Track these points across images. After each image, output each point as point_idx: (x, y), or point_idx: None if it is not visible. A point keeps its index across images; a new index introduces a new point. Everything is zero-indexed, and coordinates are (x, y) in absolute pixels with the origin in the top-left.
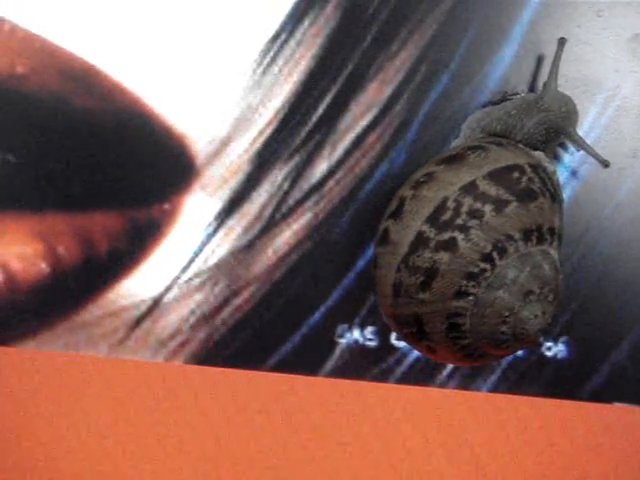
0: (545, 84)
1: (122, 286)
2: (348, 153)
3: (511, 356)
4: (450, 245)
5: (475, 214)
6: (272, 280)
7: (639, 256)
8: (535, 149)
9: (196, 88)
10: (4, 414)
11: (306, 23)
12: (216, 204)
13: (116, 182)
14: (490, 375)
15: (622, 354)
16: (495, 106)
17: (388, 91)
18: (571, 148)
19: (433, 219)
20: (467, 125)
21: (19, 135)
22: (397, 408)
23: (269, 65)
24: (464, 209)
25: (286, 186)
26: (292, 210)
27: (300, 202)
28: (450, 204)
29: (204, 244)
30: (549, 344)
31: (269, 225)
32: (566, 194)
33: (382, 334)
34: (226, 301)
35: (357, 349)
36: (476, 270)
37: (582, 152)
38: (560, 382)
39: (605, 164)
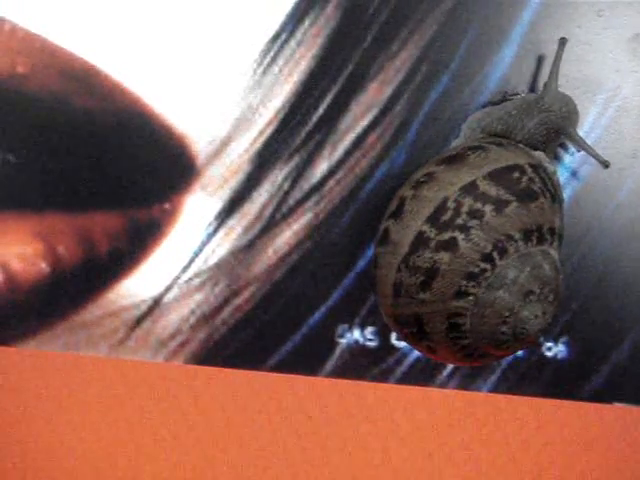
0: (546, 84)
1: (122, 286)
2: (348, 153)
3: (511, 356)
4: (450, 245)
5: (475, 214)
6: (272, 280)
7: (639, 256)
8: (535, 149)
9: (196, 88)
10: (4, 414)
11: (306, 23)
12: (216, 204)
13: (116, 182)
14: (490, 375)
15: (622, 354)
16: (495, 106)
17: (388, 91)
18: (571, 149)
19: (433, 219)
20: (467, 125)
21: (19, 135)
22: (397, 408)
23: (269, 65)
24: (464, 209)
25: (286, 186)
26: (292, 210)
27: (300, 202)
28: (450, 204)
29: (204, 244)
30: (549, 344)
31: (269, 225)
32: (566, 194)
33: (382, 334)
34: (226, 301)
35: (357, 349)
36: (476, 270)
37: (582, 152)
38: (560, 382)
39: (605, 165)
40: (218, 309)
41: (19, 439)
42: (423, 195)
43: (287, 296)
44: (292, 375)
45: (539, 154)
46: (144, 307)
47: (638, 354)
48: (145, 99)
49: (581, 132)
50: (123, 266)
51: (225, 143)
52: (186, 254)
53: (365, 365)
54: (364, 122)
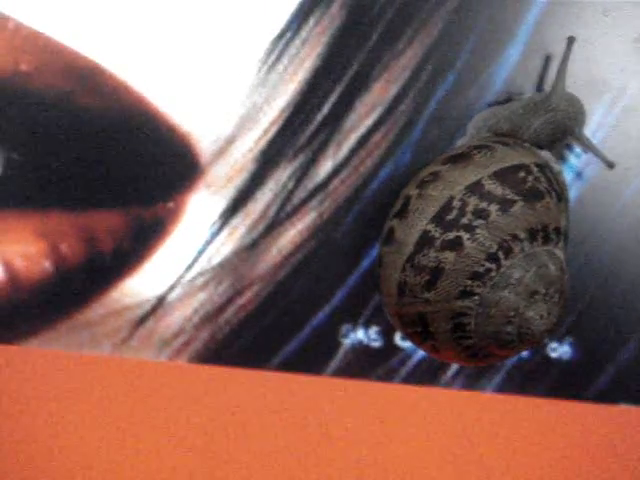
0: (553, 84)
1: (126, 285)
2: (353, 152)
3: (516, 357)
4: (455, 244)
5: (481, 213)
6: (276, 279)
7: None
8: (541, 149)
9: (201, 87)
10: (7, 413)
11: (311, 22)
12: (220, 203)
13: (120, 181)
14: (495, 376)
15: (627, 355)
16: (501, 106)
17: (393, 90)
18: (577, 149)
19: (438, 218)
20: (473, 124)
21: (23, 133)
22: (401, 408)
23: (274, 64)
24: (470, 208)
25: (291, 185)
26: (297, 209)
27: (305, 201)
28: (456, 203)
29: (208, 243)
30: (554, 345)
31: (273, 224)
32: (572, 194)
33: (386, 334)
34: (230, 300)
35: (361, 349)
36: (481, 270)
37: (588, 153)
38: (565, 383)
39: (611, 165)
40: (222, 308)
41: (22, 438)
42: (428, 194)
43: (291, 295)
44: (296, 375)
45: (545, 153)
46: (147, 306)
47: None
48: (149, 98)
49: (587, 132)
50: (127, 265)
51: (229, 142)
52: (190, 253)
53: (369, 365)
54: (369, 121)
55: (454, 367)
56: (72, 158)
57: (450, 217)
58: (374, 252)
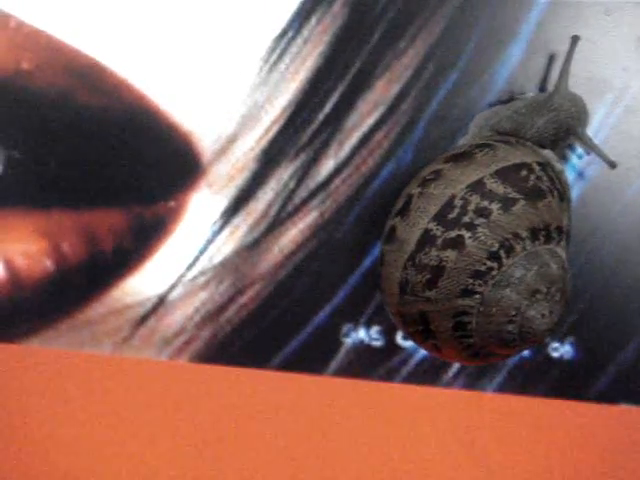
0: (556, 83)
1: (127, 284)
2: (355, 151)
3: (517, 356)
4: (457, 243)
5: (482, 212)
6: (277, 279)
7: None
8: (544, 148)
9: (202, 85)
10: (7, 412)
11: (313, 21)
12: (222, 202)
13: (121, 179)
14: (496, 375)
15: (629, 355)
16: (504, 105)
17: (395, 89)
18: (579, 150)
19: (440, 217)
20: (475, 123)
21: (24, 132)
22: (402, 408)
23: (276, 63)
24: (471, 207)
25: (292, 184)
26: (298, 208)
27: (306, 200)
28: (457, 202)
29: (209, 242)
30: (555, 345)
31: (275, 223)
32: (574, 194)
33: (388, 334)
34: (231, 299)
35: (362, 348)
36: (483, 268)
37: (590, 154)
38: (566, 383)
39: (613, 165)
40: (223, 307)
41: (22, 437)
42: (430, 193)
43: (292, 295)
44: (297, 374)
45: (547, 152)
46: (149, 305)
47: None
48: (151, 96)
49: (589, 131)
50: (128, 264)
51: (231, 141)
52: (191, 252)
53: (370, 364)
54: (371, 120)
55: (455, 367)
56: (73, 157)
57: (452, 216)
58: (376, 251)
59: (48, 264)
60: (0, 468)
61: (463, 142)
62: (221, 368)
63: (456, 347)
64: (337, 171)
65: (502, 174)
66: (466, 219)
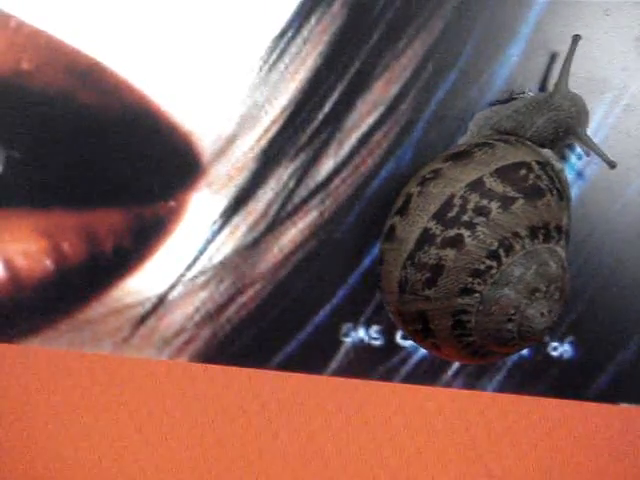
0: (556, 83)
1: (127, 284)
2: (354, 151)
3: (517, 356)
4: (456, 242)
5: (481, 211)
6: (277, 278)
7: None
8: (543, 147)
9: (202, 85)
10: (8, 412)
11: (313, 21)
12: (222, 202)
13: (122, 179)
14: (496, 375)
15: (628, 354)
16: (503, 105)
17: (394, 89)
18: (578, 150)
19: (439, 216)
20: (474, 123)
21: (24, 132)
22: (402, 407)
23: (275, 63)
24: (470, 206)
25: (292, 184)
26: (298, 208)
27: (306, 200)
28: (456, 201)
29: (209, 242)
30: (555, 344)
31: (274, 223)
32: (573, 194)
33: (387, 333)
34: (231, 299)
35: (362, 348)
36: (482, 267)
37: (590, 154)
38: (566, 382)
39: (612, 165)
40: (223, 307)
41: (23, 437)
42: (429, 192)
43: (292, 294)
44: (297, 374)
45: (546, 151)
46: (149, 305)
47: None
48: (151, 96)
49: (588, 131)
50: (128, 264)
51: (231, 141)
52: (191, 252)
53: (370, 364)
54: (370, 120)
55: (455, 366)
56: (73, 156)
57: (451, 214)
58: (375, 251)
59: (48, 264)
60: (0, 468)
61: (462, 142)
62: (221, 368)
63: (455, 346)
64: (337, 171)
65: (501, 173)
66: (465, 218)
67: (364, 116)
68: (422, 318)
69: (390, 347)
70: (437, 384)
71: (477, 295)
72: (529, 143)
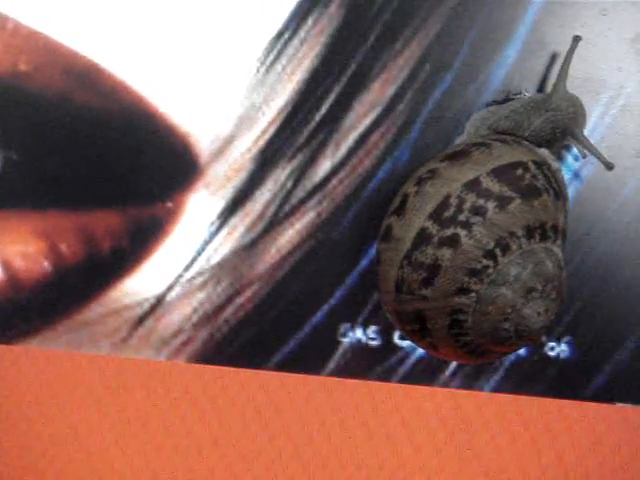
0: (554, 84)
1: (125, 284)
2: (352, 152)
3: (514, 356)
4: (453, 241)
5: (478, 211)
6: (275, 279)
7: None
8: (540, 147)
9: (200, 87)
10: (6, 412)
11: (310, 22)
12: (219, 203)
13: (119, 180)
14: (493, 375)
15: (625, 354)
16: (500, 105)
17: (392, 90)
18: (575, 151)
19: (436, 215)
20: (471, 123)
21: (22, 133)
22: (400, 407)
23: (273, 64)
24: (467, 206)
25: (289, 185)
26: (295, 209)
27: (303, 201)
28: (453, 200)
29: (207, 243)
30: (552, 344)
31: (272, 224)
32: (569, 194)
33: (385, 333)
34: (229, 300)
35: (360, 348)
36: (478, 267)
37: (587, 156)
38: (563, 382)
39: (609, 167)
40: (220, 308)
41: (21, 437)
42: (426, 191)
43: (290, 295)
44: (295, 374)
45: (543, 151)
46: (146, 306)
47: None
48: (148, 98)
49: (585, 131)
50: (126, 264)
51: (228, 142)
52: (189, 253)
53: (368, 364)
54: (367, 121)
55: (452, 366)
56: (71, 158)
57: (447, 214)
58: (373, 251)
59: (46, 265)
60: None
61: (459, 142)
62: (219, 368)
63: (452, 345)
64: (334, 171)
65: (498, 173)
66: (462, 217)
67: (361, 117)
68: (419, 317)
69: (388, 347)
70: (435, 384)
71: (474, 294)
72: (526, 143)
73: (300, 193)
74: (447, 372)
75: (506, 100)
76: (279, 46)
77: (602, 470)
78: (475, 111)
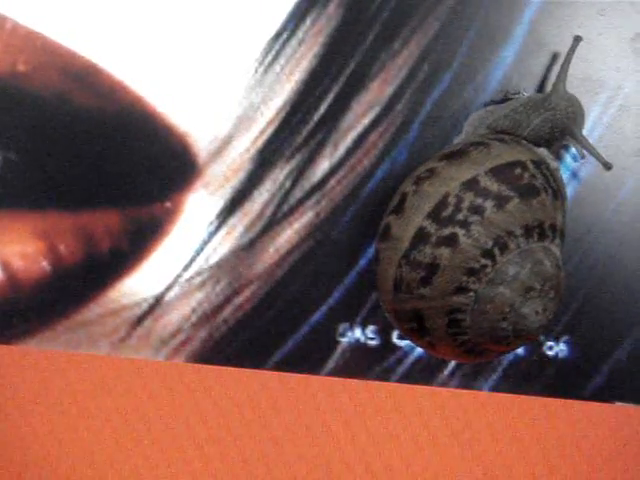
0: (554, 83)
1: (123, 284)
2: (350, 152)
3: (512, 355)
4: (451, 241)
5: (476, 210)
6: (274, 279)
7: None
8: (539, 147)
9: (198, 87)
10: (5, 413)
11: (308, 22)
12: (218, 202)
13: (118, 180)
14: (491, 374)
15: (623, 353)
16: (498, 105)
17: (390, 90)
18: (574, 151)
19: (434, 215)
20: (469, 123)
21: (21, 133)
22: (398, 407)
23: (271, 64)
24: (465, 205)
25: (288, 185)
26: (294, 209)
27: (302, 201)
28: (451, 200)
29: (206, 242)
30: (550, 343)
31: (271, 224)
32: (568, 193)
33: (383, 333)
34: (227, 300)
35: (358, 348)
36: (477, 266)
37: (586, 156)
38: (561, 381)
39: (608, 167)
40: (219, 308)
41: (20, 438)
42: (424, 190)
43: (288, 295)
44: (293, 374)
45: (542, 151)
46: (145, 306)
47: (639, 353)
48: (147, 98)
49: (583, 131)
50: (124, 264)
51: (227, 142)
52: (187, 253)
53: (366, 364)
54: (365, 121)
55: (451, 366)
56: (69, 158)
57: (446, 213)
58: (371, 251)
59: (45, 265)
60: None
61: (458, 141)
62: (218, 368)
63: (451, 344)
64: (332, 171)
65: (496, 172)
66: (460, 217)
67: (359, 117)
68: (417, 317)
69: (386, 347)
70: (433, 384)
71: (472, 294)
72: (524, 142)
73: (298, 193)
74: (446, 372)
75: (504, 100)
76: (277, 46)
77: (601, 469)
78: (473, 111)
